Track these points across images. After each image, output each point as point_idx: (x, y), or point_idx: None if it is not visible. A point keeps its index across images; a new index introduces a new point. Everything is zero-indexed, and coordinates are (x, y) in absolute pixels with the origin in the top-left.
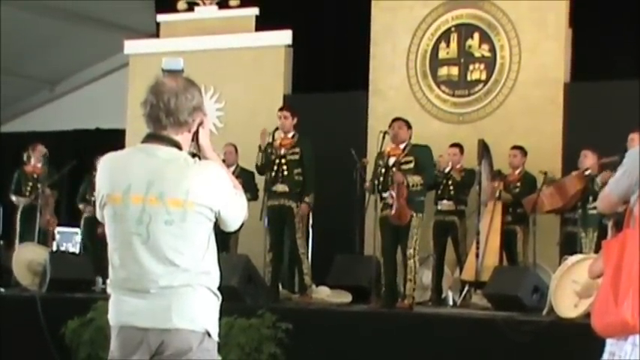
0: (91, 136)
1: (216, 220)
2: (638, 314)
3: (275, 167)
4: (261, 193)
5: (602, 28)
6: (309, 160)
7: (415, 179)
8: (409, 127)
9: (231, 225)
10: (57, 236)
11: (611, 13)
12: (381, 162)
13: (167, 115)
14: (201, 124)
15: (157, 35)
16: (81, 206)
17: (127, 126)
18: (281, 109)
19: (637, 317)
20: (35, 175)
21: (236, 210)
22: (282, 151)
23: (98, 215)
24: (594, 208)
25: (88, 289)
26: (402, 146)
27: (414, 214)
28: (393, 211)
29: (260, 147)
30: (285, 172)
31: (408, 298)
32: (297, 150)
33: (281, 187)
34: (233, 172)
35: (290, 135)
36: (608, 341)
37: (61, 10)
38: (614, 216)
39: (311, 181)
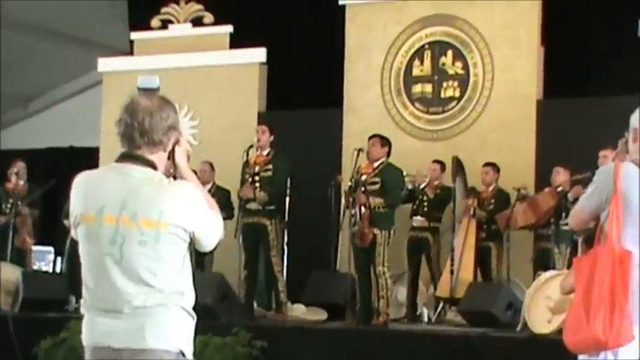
0: (65, 153)
1: (191, 240)
2: (610, 331)
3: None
4: (236, 211)
5: (573, 46)
6: (280, 175)
7: (377, 201)
8: (384, 144)
9: (207, 245)
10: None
11: (583, 31)
12: (354, 178)
13: (141, 134)
14: (177, 143)
15: (131, 53)
16: (66, 222)
17: (100, 144)
18: (259, 125)
19: (608, 334)
20: (16, 192)
21: (211, 231)
22: (256, 169)
23: (73, 234)
24: (567, 224)
25: (61, 309)
26: (375, 164)
27: (379, 232)
28: (356, 232)
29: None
30: (258, 190)
31: (382, 315)
32: (270, 167)
33: (255, 205)
34: (209, 191)
35: (265, 152)
36: (580, 357)
37: (34, 27)
38: (584, 232)
39: (277, 196)
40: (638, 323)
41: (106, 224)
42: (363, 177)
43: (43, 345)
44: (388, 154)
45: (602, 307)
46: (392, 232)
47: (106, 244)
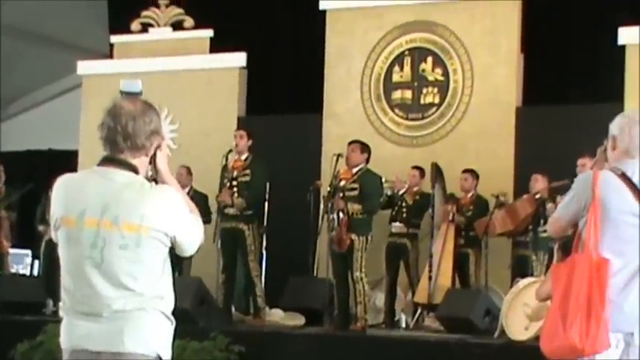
0: (44, 156)
1: (172, 244)
2: (586, 338)
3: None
4: (214, 215)
5: (553, 54)
6: (258, 181)
7: (355, 207)
8: (363, 150)
9: (187, 250)
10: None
11: (563, 39)
12: (333, 183)
13: (125, 138)
14: (158, 147)
15: (110, 56)
16: (41, 228)
17: (79, 147)
18: (237, 129)
19: (585, 341)
20: None
21: (192, 235)
22: (235, 173)
23: (53, 237)
24: (545, 231)
25: (39, 312)
26: (354, 170)
27: (356, 238)
28: (334, 237)
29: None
30: (236, 195)
31: (360, 321)
32: (248, 172)
33: (232, 210)
34: (187, 194)
35: (243, 157)
36: None
37: (14, 29)
38: (561, 239)
39: (254, 201)
40: (615, 332)
41: (87, 228)
42: (342, 183)
43: (20, 348)
44: (367, 161)
45: (579, 314)
46: (369, 237)
47: (87, 248)
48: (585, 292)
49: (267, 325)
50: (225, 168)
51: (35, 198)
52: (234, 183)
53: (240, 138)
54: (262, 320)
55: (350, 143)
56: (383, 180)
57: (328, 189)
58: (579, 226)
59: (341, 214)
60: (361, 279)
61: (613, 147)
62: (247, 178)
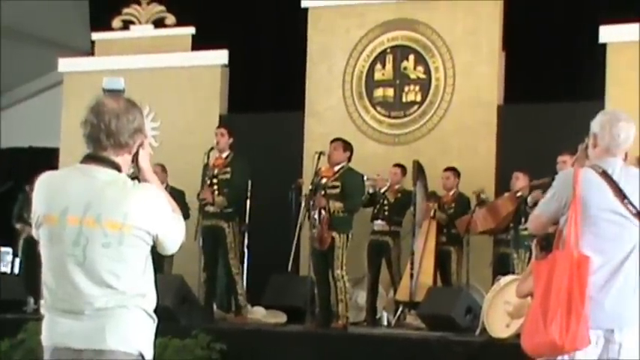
0: (25, 154)
1: (154, 243)
2: (566, 335)
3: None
4: (196, 213)
5: (534, 52)
6: (238, 179)
7: (337, 205)
8: (346, 149)
9: (169, 248)
10: None
11: (544, 37)
12: (314, 181)
13: (108, 136)
14: (141, 145)
15: (92, 53)
16: (18, 226)
17: (61, 145)
18: (219, 127)
19: (565, 338)
20: None
21: (174, 234)
22: (215, 171)
23: (34, 234)
24: (526, 229)
25: (20, 310)
26: (336, 168)
27: (337, 236)
28: (315, 235)
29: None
30: (216, 193)
31: (342, 319)
32: (228, 170)
33: (213, 208)
34: None
35: (224, 155)
36: None
37: None
38: (538, 235)
39: (235, 199)
40: (595, 328)
41: (69, 225)
42: (324, 180)
43: (1, 346)
44: (349, 159)
45: (559, 311)
46: (350, 235)
47: (69, 246)
48: (566, 289)
49: (248, 322)
50: (206, 166)
51: (16, 196)
52: (215, 181)
53: (222, 136)
54: (244, 318)
55: (332, 141)
56: (365, 178)
57: (310, 187)
58: (560, 223)
59: (322, 212)
60: (342, 277)
61: (594, 144)
62: (228, 176)
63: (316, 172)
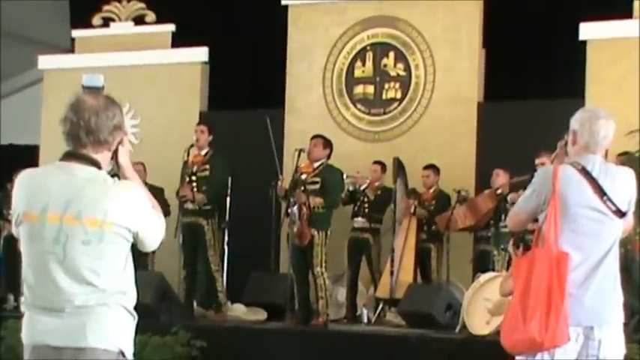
0: (4, 151)
1: (134, 240)
2: (545, 332)
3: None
4: (175, 210)
5: (514, 49)
6: (217, 177)
7: (317, 201)
8: (326, 146)
9: (149, 246)
10: None
11: (524, 34)
12: (294, 177)
13: (87, 133)
14: (120, 142)
15: (72, 50)
16: None
17: (41, 142)
18: (199, 123)
19: (544, 335)
20: None
21: (154, 231)
22: (194, 169)
23: (14, 232)
24: (506, 226)
25: None
26: (315, 164)
27: (317, 233)
28: (295, 231)
29: None
30: (195, 190)
31: (322, 316)
32: (207, 167)
33: (192, 205)
34: None
35: (203, 152)
36: (518, 358)
37: None
38: (516, 234)
39: (214, 196)
40: (575, 325)
41: (49, 223)
42: (303, 176)
43: None
44: (329, 157)
45: (539, 308)
46: (328, 232)
47: (49, 243)
48: (545, 285)
49: (228, 320)
50: (185, 163)
51: None
52: (194, 178)
53: (202, 133)
54: (224, 315)
55: (312, 138)
56: (344, 175)
57: (289, 183)
58: (539, 220)
59: (303, 208)
60: (322, 274)
61: (573, 142)
62: (207, 174)
63: (296, 169)
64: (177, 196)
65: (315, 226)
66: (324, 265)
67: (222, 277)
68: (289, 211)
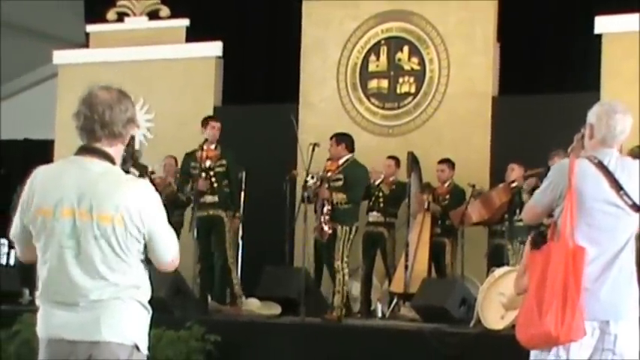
0: (20, 146)
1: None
2: (561, 326)
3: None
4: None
5: (529, 43)
6: (235, 173)
7: (339, 197)
8: (339, 142)
9: (162, 257)
10: None
11: (539, 28)
12: (321, 173)
13: (102, 126)
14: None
15: (86, 45)
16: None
17: (55, 137)
18: (212, 119)
19: (560, 329)
20: None
21: (166, 240)
22: (209, 163)
23: (29, 227)
24: (520, 220)
25: (15, 302)
26: (340, 162)
27: (340, 228)
28: (315, 226)
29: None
30: (215, 184)
31: (336, 310)
32: (223, 162)
33: (210, 199)
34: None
35: (213, 146)
36: (533, 352)
37: None
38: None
39: (238, 194)
40: (591, 320)
41: (63, 218)
42: (329, 174)
43: None
44: (351, 151)
45: (555, 302)
46: (354, 228)
47: (63, 238)
48: (561, 280)
49: (243, 314)
50: (191, 156)
51: (10, 187)
52: (212, 173)
53: (218, 130)
54: (239, 309)
55: (330, 139)
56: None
57: (306, 179)
58: (555, 214)
59: (325, 204)
60: (342, 269)
61: (590, 135)
62: (224, 169)
63: (324, 168)
64: (187, 191)
65: (339, 220)
66: (344, 260)
67: (237, 269)
68: (305, 194)
